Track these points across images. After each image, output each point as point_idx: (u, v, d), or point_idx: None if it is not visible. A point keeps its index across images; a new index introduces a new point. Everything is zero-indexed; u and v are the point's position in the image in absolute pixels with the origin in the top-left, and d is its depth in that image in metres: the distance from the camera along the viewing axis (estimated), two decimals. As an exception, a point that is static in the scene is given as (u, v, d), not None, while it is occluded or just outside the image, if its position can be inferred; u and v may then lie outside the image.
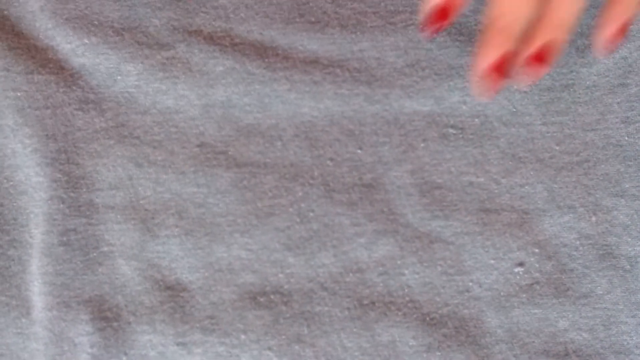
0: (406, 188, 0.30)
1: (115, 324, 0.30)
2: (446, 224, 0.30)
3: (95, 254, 0.31)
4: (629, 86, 0.31)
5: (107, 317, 0.30)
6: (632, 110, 0.31)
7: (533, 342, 0.30)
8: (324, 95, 0.31)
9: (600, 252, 0.30)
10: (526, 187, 0.31)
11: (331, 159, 0.30)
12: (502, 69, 0.26)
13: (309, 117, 0.31)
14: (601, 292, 0.30)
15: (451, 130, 0.31)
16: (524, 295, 0.30)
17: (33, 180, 0.31)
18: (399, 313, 0.29)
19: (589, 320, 0.30)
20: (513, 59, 0.27)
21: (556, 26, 0.26)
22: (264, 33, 0.30)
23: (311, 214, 0.30)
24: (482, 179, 0.30)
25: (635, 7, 0.27)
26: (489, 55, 0.27)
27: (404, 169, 0.30)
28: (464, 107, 0.31)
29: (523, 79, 0.27)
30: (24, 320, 0.31)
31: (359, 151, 0.31)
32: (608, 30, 0.27)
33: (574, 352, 0.30)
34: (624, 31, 0.27)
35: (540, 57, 0.26)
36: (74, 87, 0.31)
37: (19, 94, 0.31)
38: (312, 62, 0.31)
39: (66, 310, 0.30)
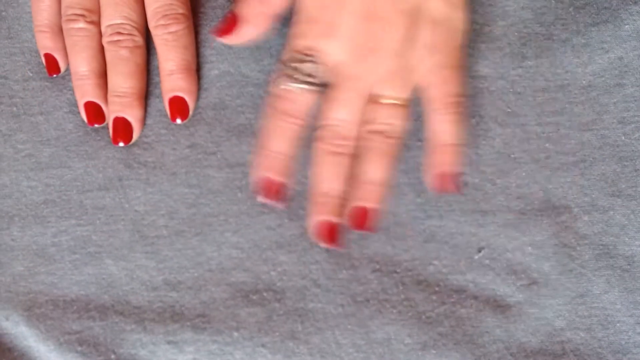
0: (400, 187, 0.39)
1: (102, 323, 0.39)
2: (441, 224, 0.39)
3: (83, 254, 0.39)
4: (625, 86, 0.41)
5: (93, 316, 0.39)
6: (628, 110, 0.41)
7: (530, 341, 0.39)
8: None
9: (597, 252, 0.39)
10: (522, 187, 0.40)
11: (324, 157, 0.39)
12: (332, 237, 0.41)
13: (301, 116, 0.40)
14: (598, 292, 0.39)
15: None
16: (521, 295, 0.39)
17: (23, 184, 0.40)
18: (394, 311, 0.38)
19: (586, 320, 0.39)
20: (336, 225, 0.41)
21: (363, 195, 0.40)
22: (259, 33, 0.40)
23: (302, 212, 0.39)
24: (477, 180, 0.40)
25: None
26: (315, 219, 0.41)
27: (398, 168, 0.39)
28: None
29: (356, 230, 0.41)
30: (10, 319, 0.39)
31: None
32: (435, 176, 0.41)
33: (572, 351, 0.39)
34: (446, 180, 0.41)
35: (357, 224, 0.41)
36: (65, 91, 0.41)
37: (15, 101, 0.40)
38: (305, 62, 0.41)
39: (53, 308, 0.39)
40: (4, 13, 0.44)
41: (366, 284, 0.41)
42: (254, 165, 0.40)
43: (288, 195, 0.41)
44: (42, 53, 0.43)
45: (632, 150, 0.42)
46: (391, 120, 0.40)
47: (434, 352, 0.40)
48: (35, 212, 0.42)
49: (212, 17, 0.43)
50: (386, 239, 0.41)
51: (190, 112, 0.42)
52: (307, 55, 0.39)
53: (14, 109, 0.43)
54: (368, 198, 0.40)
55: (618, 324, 0.41)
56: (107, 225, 0.42)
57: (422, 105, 0.41)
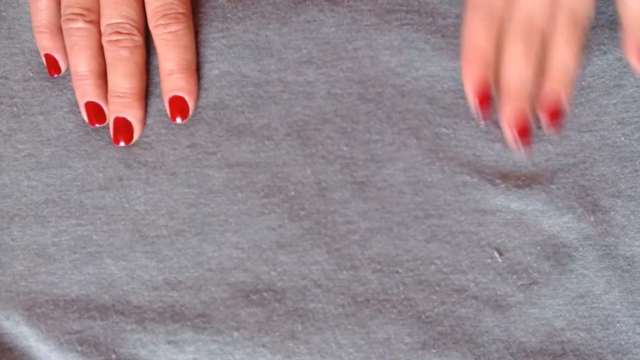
0: (399, 186, 0.41)
1: (103, 322, 0.40)
2: (440, 223, 0.40)
3: (83, 254, 0.40)
4: (624, 87, 0.42)
5: (94, 316, 0.40)
6: (628, 111, 0.42)
7: (530, 341, 0.40)
8: (317, 95, 0.41)
9: (599, 252, 0.40)
10: (523, 188, 0.41)
11: (323, 157, 0.41)
12: (524, 129, 0.41)
13: (301, 116, 0.41)
14: (599, 292, 0.40)
15: (444, 130, 0.41)
16: (521, 295, 0.40)
17: (23, 184, 0.41)
18: (394, 310, 0.39)
19: (586, 320, 0.40)
20: (529, 116, 0.41)
21: (556, 79, 0.41)
22: (259, 33, 0.41)
23: (303, 212, 0.40)
24: (476, 180, 0.41)
25: None
26: (511, 119, 0.41)
27: (396, 167, 0.41)
28: (458, 108, 0.41)
29: (548, 130, 0.42)
30: (10, 319, 0.40)
31: (351, 149, 0.41)
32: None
33: (572, 351, 0.40)
34: None
35: (550, 112, 0.41)
36: (65, 91, 0.42)
37: (15, 101, 0.42)
38: (306, 63, 0.42)
39: (54, 308, 0.40)
40: (4, 13, 0.45)
41: (366, 284, 0.42)
42: (466, 68, 0.41)
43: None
44: (42, 54, 0.44)
45: (632, 151, 0.43)
46: (578, 4, 0.40)
47: (434, 351, 0.41)
48: (36, 212, 0.43)
49: (212, 17, 0.44)
50: (388, 239, 0.42)
51: (191, 112, 0.43)
52: None
53: (15, 109, 0.44)
54: (560, 83, 0.41)
55: (618, 324, 0.42)
56: (108, 225, 0.43)
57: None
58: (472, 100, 0.41)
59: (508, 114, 0.41)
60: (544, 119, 0.41)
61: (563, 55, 0.41)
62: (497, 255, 0.42)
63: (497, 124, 0.43)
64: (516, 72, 0.40)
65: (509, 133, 0.41)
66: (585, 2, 0.40)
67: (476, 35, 0.41)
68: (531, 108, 0.41)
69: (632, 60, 0.40)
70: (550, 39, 0.41)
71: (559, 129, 0.42)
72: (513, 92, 0.41)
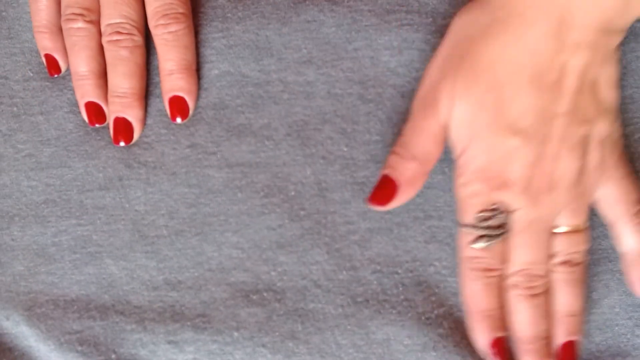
0: (399, 187, 0.41)
1: (103, 322, 0.40)
2: (440, 224, 0.41)
3: (83, 254, 0.40)
4: (624, 88, 0.43)
5: (94, 316, 0.40)
6: (627, 112, 0.42)
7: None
8: (317, 95, 0.41)
9: (596, 256, 0.41)
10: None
11: (323, 158, 0.41)
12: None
13: (301, 116, 0.41)
14: (597, 297, 0.41)
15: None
16: None
17: (23, 184, 0.41)
18: (394, 311, 0.40)
19: (584, 325, 0.40)
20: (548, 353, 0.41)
21: (565, 325, 0.41)
22: (259, 33, 0.41)
23: (303, 213, 0.41)
24: (476, 180, 0.41)
25: None
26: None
27: (397, 167, 0.41)
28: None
29: None
30: (10, 319, 0.40)
31: (351, 150, 0.41)
32: None
33: (570, 354, 0.40)
34: None
35: (567, 355, 0.41)
36: (66, 91, 0.42)
37: (15, 101, 0.42)
38: (306, 62, 0.42)
39: (54, 308, 0.40)
40: (4, 13, 0.45)
41: (366, 284, 0.42)
42: (476, 333, 0.41)
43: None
44: (42, 54, 0.44)
45: (632, 152, 0.43)
46: (574, 249, 0.41)
47: (434, 353, 0.41)
48: (36, 212, 0.43)
49: (212, 17, 0.44)
50: (388, 240, 0.42)
51: (191, 112, 0.43)
52: (491, 210, 0.40)
53: (15, 109, 0.44)
54: (572, 331, 0.41)
55: (617, 328, 0.42)
56: (108, 225, 0.43)
57: (602, 217, 0.42)
58: (491, 356, 0.41)
59: (529, 356, 0.41)
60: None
61: (568, 302, 0.41)
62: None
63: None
64: (526, 326, 0.41)
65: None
66: (580, 246, 0.41)
67: (480, 299, 0.41)
68: (549, 355, 0.41)
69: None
70: (552, 285, 0.41)
71: None
72: (527, 341, 0.41)
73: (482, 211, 0.40)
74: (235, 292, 0.42)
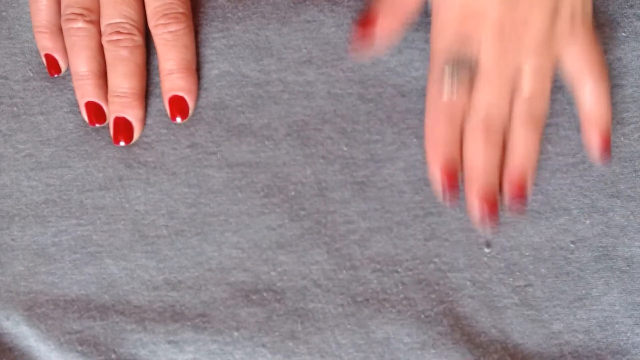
0: (399, 185, 0.41)
1: (103, 322, 0.40)
2: (440, 221, 0.41)
3: (83, 254, 0.41)
4: (624, 87, 0.43)
5: (94, 316, 0.40)
6: (627, 111, 0.42)
7: (526, 343, 0.40)
8: (317, 95, 0.42)
9: (596, 254, 0.41)
10: (522, 188, 0.41)
11: (323, 157, 0.41)
12: (492, 203, 0.42)
13: (301, 116, 0.41)
14: (597, 294, 0.40)
15: (444, 130, 0.41)
16: (517, 297, 0.41)
17: (24, 184, 0.41)
18: (393, 310, 0.40)
19: (584, 322, 0.40)
20: (495, 192, 0.42)
21: (519, 163, 0.42)
22: (259, 33, 0.41)
23: (303, 212, 0.41)
24: (476, 179, 0.41)
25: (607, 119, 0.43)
26: (479, 196, 0.42)
27: (396, 166, 0.41)
28: (458, 107, 0.42)
29: (513, 209, 0.43)
30: (10, 319, 0.41)
31: (351, 149, 0.41)
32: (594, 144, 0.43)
33: (570, 353, 0.40)
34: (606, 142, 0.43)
35: (515, 186, 0.42)
36: (66, 91, 0.43)
37: (15, 101, 0.42)
38: (306, 62, 0.42)
39: (54, 308, 0.40)
40: (4, 13, 0.46)
41: (366, 283, 0.42)
42: (431, 158, 0.42)
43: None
44: (42, 54, 0.44)
45: (632, 151, 0.44)
46: (537, 88, 0.42)
47: (434, 351, 0.41)
48: (36, 212, 0.44)
49: (212, 17, 0.44)
50: (388, 238, 0.43)
51: (190, 112, 0.44)
52: (460, 58, 0.41)
53: (15, 109, 0.45)
54: (524, 167, 0.42)
55: (617, 325, 0.42)
56: (108, 225, 0.43)
57: (564, 78, 0.43)
58: (440, 185, 0.42)
59: (475, 193, 0.42)
60: (509, 194, 0.42)
61: (524, 148, 0.42)
62: (485, 248, 0.43)
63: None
64: (478, 157, 0.42)
65: (478, 211, 0.42)
66: (543, 100, 0.42)
67: (438, 130, 0.42)
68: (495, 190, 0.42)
69: (595, 149, 0.43)
70: (509, 133, 0.42)
71: (522, 207, 0.43)
72: (476, 174, 0.42)
73: (452, 60, 0.41)
74: (235, 292, 0.42)
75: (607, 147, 0.43)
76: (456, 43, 0.41)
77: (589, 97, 0.42)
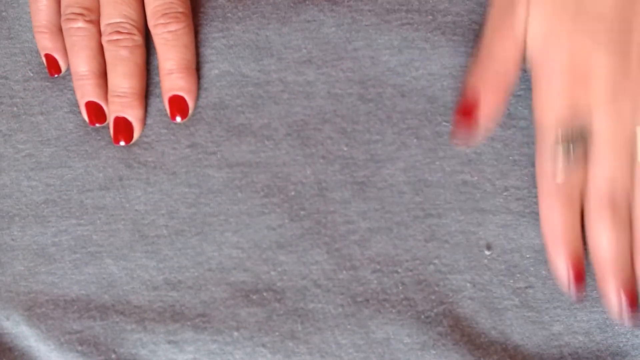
0: (399, 186, 0.41)
1: (103, 322, 0.40)
2: (440, 222, 0.41)
3: (83, 254, 0.41)
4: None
5: (94, 316, 0.40)
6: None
7: (526, 344, 0.41)
8: (317, 95, 0.42)
9: (598, 255, 0.41)
10: (522, 189, 0.41)
11: (323, 157, 0.41)
12: (633, 298, 0.40)
13: (301, 116, 0.42)
14: (597, 296, 0.41)
15: (445, 129, 0.42)
16: (517, 299, 0.41)
17: (23, 184, 0.41)
18: (393, 310, 0.40)
19: (584, 324, 0.41)
20: (635, 285, 0.40)
21: None
22: (259, 33, 0.42)
23: (303, 212, 0.41)
24: (476, 178, 0.41)
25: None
26: (619, 291, 0.40)
27: (396, 166, 0.41)
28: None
29: None
30: (10, 319, 0.41)
31: (351, 149, 0.41)
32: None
33: (570, 355, 0.41)
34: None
35: None
36: (66, 91, 0.43)
37: (15, 101, 0.42)
38: (306, 63, 0.42)
39: (54, 308, 0.41)
40: (4, 13, 0.46)
41: (366, 284, 0.43)
42: (554, 253, 0.40)
43: None
44: (42, 54, 0.45)
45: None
46: None
47: (434, 352, 0.42)
48: (36, 212, 0.44)
49: (212, 17, 0.45)
50: (388, 239, 0.43)
51: (190, 111, 0.44)
52: (575, 123, 0.38)
53: (15, 109, 0.45)
54: None
55: (616, 327, 0.43)
56: (108, 225, 0.44)
57: None
58: (568, 282, 0.41)
59: (614, 288, 0.40)
60: None
61: None
62: (486, 251, 0.43)
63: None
64: (610, 245, 0.39)
65: (617, 305, 0.40)
66: None
67: (557, 216, 0.40)
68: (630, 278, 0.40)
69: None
70: (635, 206, 0.39)
71: None
72: (611, 266, 0.40)
73: (566, 135, 0.38)
74: (235, 292, 0.43)
75: None
76: (567, 115, 0.38)
77: None
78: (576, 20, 0.38)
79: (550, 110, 0.39)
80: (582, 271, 0.41)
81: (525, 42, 0.40)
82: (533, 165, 0.44)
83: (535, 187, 0.43)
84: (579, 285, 0.41)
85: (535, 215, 0.43)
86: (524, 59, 0.41)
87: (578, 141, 0.38)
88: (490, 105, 0.41)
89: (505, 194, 0.43)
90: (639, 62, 0.38)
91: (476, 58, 0.42)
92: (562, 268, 0.41)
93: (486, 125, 0.41)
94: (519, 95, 0.44)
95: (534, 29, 0.39)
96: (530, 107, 0.44)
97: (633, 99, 0.38)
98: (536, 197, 0.43)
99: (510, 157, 0.44)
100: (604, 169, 0.39)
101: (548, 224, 0.41)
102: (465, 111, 0.41)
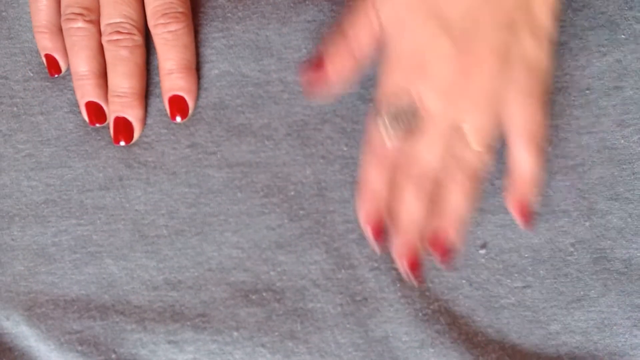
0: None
1: (103, 322, 0.41)
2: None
3: (83, 254, 0.41)
4: (623, 89, 0.43)
5: (94, 316, 0.41)
6: (627, 113, 0.43)
7: (523, 343, 0.41)
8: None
9: (595, 255, 0.41)
10: (521, 189, 0.42)
11: (323, 157, 0.42)
12: (414, 261, 0.43)
13: (301, 116, 0.42)
14: (595, 296, 0.41)
15: (444, 131, 0.42)
16: (514, 298, 0.41)
17: (24, 184, 0.42)
18: (391, 309, 0.41)
19: (582, 324, 0.41)
20: (418, 249, 0.43)
21: (446, 219, 0.42)
22: (259, 33, 0.42)
23: (302, 212, 0.41)
24: (475, 180, 0.42)
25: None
26: (401, 252, 0.43)
27: (396, 167, 0.41)
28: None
29: (439, 262, 0.43)
30: (10, 319, 0.41)
31: (351, 149, 0.42)
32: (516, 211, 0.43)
33: (566, 354, 0.41)
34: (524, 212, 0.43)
35: (439, 248, 0.42)
36: (66, 91, 0.43)
37: (15, 101, 0.43)
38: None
39: (54, 308, 0.41)
40: (4, 13, 0.46)
41: (364, 282, 0.43)
42: (360, 205, 0.43)
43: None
44: (42, 54, 0.45)
45: (631, 153, 0.44)
46: (477, 144, 0.41)
47: (432, 350, 0.42)
48: (36, 212, 0.44)
49: (212, 17, 0.45)
50: (385, 237, 0.43)
51: (190, 111, 0.44)
52: (404, 101, 0.40)
53: (15, 109, 0.45)
54: (450, 224, 0.42)
55: (615, 327, 0.43)
56: (108, 225, 0.44)
57: (504, 137, 0.42)
58: (366, 232, 0.43)
59: (399, 248, 0.42)
60: (434, 254, 0.43)
61: (455, 202, 0.42)
62: (480, 250, 0.43)
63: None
64: (407, 211, 0.42)
65: (400, 265, 0.43)
66: (479, 158, 0.41)
67: (372, 178, 0.42)
68: (422, 244, 0.43)
69: (514, 212, 0.43)
70: (444, 185, 0.42)
71: (450, 264, 0.43)
72: (403, 228, 0.42)
73: (392, 109, 0.41)
74: (235, 292, 0.43)
75: (526, 215, 0.42)
76: (399, 93, 0.41)
77: (521, 158, 0.42)
78: (428, 12, 0.40)
79: (386, 85, 0.41)
80: (380, 228, 0.42)
81: (380, 26, 0.41)
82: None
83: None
84: (378, 240, 0.42)
85: (535, 216, 0.43)
86: (380, 42, 0.42)
87: (402, 117, 0.40)
88: (338, 66, 0.42)
89: (504, 193, 0.44)
90: (478, 63, 0.40)
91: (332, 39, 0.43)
92: (363, 225, 0.43)
93: (335, 83, 0.43)
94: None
95: (386, 16, 0.41)
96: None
97: (466, 97, 0.40)
98: (537, 197, 0.44)
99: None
100: (421, 148, 0.41)
101: (362, 182, 0.43)
102: (313, 67, 0.43)
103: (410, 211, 0.42)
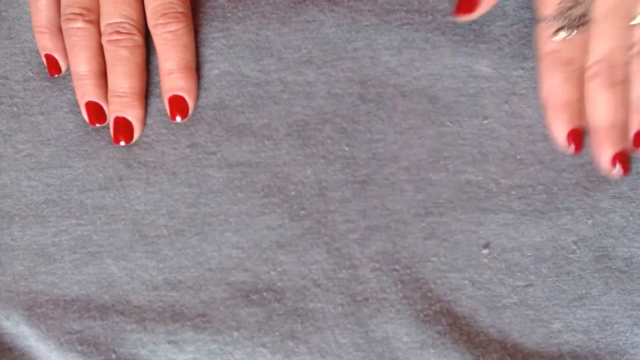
0: (400, 184, 0.42)
1: (103, 322, 0.41)
2: (440, 221, 0.41)
3: (83, 254, 0.41)
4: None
5: (94, 316, 0.41)
6: (629, 111, 0.42)
7: (525, 342, 0.41)
8: (317, 95, 0.42)
9: (597, 254, 0.42)
10: (525, 188, 0.42)
11: (324, 157, 0.42)
12: (626, 167, 0.43)
13: (301, 116, 0.42)
14: (597, 294, 0.41)
15: (448, 129, 0.42)
16: (516, 297, 0.41)
17: (23, 184, 0.42)
18: (392, 309, 0.41)
19: (583, 322, 0.41)
20: (628, 156, 0.44)
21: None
22: (259, 33, 0.42)
23: (303, 212, 0.41)
24: (480, 178, 0.42)
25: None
26: (608, 152, 0.43)
27: (399, 165, 0.42)
28: (460, 107, 0.42)
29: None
30: (10, 319, 0.41)
31: (352, 149, 0.42)
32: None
33: (568, 353, 0.41)
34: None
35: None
36: (66, 91, 0.43)
37: (15, 101, 0.43)
38: (306, 63, 0.43)
39: (54, 308, 0.41)
40: (4, 13, 0.46)
41: (365, 282, 0.43)
42: (554, 125, 0.43)
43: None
44: (42, 54, 0.45)
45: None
46: None
47: (433, 350, 0.42)
48: (36, 212, 0.44)
49: (212, 17, 0.45)
50: (387, 237, 0.43)
51: (190, 111, 0.44)
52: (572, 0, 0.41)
53: (15, 109, 0.45)
54: None
55: (616, 325, 0.43)
56: (108, 225, 0.44)
57: None
58: (569, 150, 0.43)
59: (609, 158, 0.43)
60: (636, 152, 0.43)
61: None
62: (483, 249, 0.43)
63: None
64: (607, 119, 0.42)
65: (611, 172, 0.43)
66: None
67: (559, 91, 0.43)
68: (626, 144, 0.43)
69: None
70: (629, 76, 0.42)
71: None
72: (608, 138, 0.43)
73: (562, 1, 0.41)
74: (235, 292, 0.43)
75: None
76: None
77: None
78: None
79: None
80: (581, 139, 0.43)
81: None
82: (539, 162, 0.44)
83: (539, 184, 0.44)
84: (577, 145, 0.43)
85: (537, 214, 0.43)
86: None
87: (575, 20, 0.41)
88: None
89: (508, 192, 0.44)
90: None
91: None
92: (561, 138, 0.43)
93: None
94: (522, 95, 0.44)
95: None
96: (533, 106, 0.44)
97: None
98: (540, 194, 0.44)
99: (517, 156, 0.44)
100: (602, 44, 0.41)
101: (549, 93, 0.43)
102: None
103: (610, 119, 0.42)
